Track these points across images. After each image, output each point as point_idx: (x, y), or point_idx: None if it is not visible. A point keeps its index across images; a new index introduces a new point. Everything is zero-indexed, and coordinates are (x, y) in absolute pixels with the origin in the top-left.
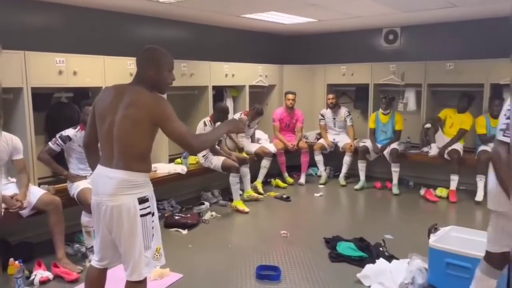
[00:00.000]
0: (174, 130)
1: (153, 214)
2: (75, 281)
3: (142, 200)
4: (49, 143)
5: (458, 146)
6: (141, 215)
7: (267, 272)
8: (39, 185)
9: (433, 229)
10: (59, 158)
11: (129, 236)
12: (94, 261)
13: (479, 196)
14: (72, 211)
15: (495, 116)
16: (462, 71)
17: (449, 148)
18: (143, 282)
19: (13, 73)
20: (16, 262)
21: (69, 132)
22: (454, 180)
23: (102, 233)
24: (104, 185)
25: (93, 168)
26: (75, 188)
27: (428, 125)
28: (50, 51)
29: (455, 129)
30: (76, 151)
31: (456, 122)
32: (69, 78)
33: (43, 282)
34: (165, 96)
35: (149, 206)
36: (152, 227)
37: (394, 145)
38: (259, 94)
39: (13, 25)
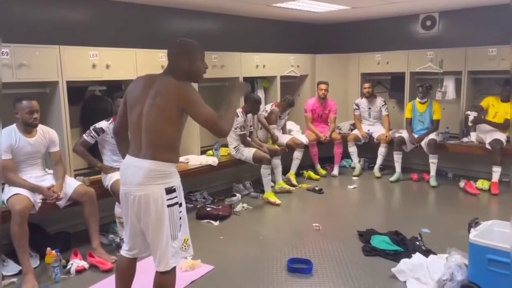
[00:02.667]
0: (201, 114)
1: (180, 205)
2: (109, 271)
3: (170, 191)
4: (84, 135)
5: (501, 136)
6: (168, 205)
7: (299, 265)
8: (75, 176)
9: (474, 223)
10: (94, 151)
11: (156, 226)
12: (124, 250)
13: None
14: (106, 202)
15: None
16: (506, 57)
17: (491, 139)
18: (172, 272)
19: (49, 68)
20: (53, 251)
21: (102, 124)
22: (496, 172)
23: (131, 223)
24: (132, 175)
25: (124, 155)
26: (109, 180)
27: (475, 114)
28: (83, 45)
29: (498, 119)
30: (109, 143)
31: (500, 111)
32: (102, 72)
33: (79, 271)
34: (196, 86)
35: (176, 197)
36: (180, 218)
37: (432, 136)
38: (291, 85)
39: (48, 21)
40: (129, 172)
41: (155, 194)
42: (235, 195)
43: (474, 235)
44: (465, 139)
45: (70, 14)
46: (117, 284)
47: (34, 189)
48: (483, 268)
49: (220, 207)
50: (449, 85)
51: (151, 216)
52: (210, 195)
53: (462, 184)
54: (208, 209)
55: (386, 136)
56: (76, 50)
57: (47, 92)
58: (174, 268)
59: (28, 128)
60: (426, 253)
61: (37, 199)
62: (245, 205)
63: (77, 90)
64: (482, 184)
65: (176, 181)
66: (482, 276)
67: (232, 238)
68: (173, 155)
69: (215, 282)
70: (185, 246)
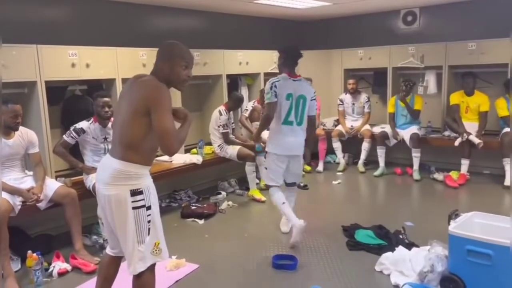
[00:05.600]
0: (161, 122)
1: (148, 208)
2: (92, 272)
3: (135, 193)
4: (64, 136)
5: (473, 129)
6: (133, 208)
7: (284, 262)
8: (56, 178)
9: (454, 215)
10: (75, 151)
11: (120, 227)
12: (108, 248)
13: (507, 181)
14: (89, 203)
15: None
16: (484, 51)
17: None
18: (146, 274)
19: (26, 67)
20: (34, 254)
21: (83, 124)
22: (464, 164)
23: (105, 221)
24: (102, 173)
25: None
26: (91, 180)
27: (476, 141)
28: (62, 44)
29: (472, 113)
30: (90, 143)
31: (471, 105)
32: (82, 71)
33: (61, 274)
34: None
35: (143, 199)
36: (148, 221)
37: (415, 130)
38: None
39: (25, 19)
40: (100, 170)
41: (119, 195)
42: (220, 193)
43: (454, 226)
44: (446, 133)
45: (47, 12)
46: (97, 281)
47: (13, 191)
48: (463, 259)
49: (205, 205)
50: (431, 80)
51: (115, 218)
52: (195, 193)
53: (441, 177)
54: (193, 207)
55: (352, 128)
56: (54, 49)
57: (25, 93)
58: (150, 270)
59: (7, 130)
60: (409, 246)
61: (17, 201)
62: (230, 202)
63: (56, 90)
64: (454, 175)
65: (144, 183)
66: (462, 267)
67: (217, 236)
68: (143, 156)
69: (200, 281)
70: (156, 250)
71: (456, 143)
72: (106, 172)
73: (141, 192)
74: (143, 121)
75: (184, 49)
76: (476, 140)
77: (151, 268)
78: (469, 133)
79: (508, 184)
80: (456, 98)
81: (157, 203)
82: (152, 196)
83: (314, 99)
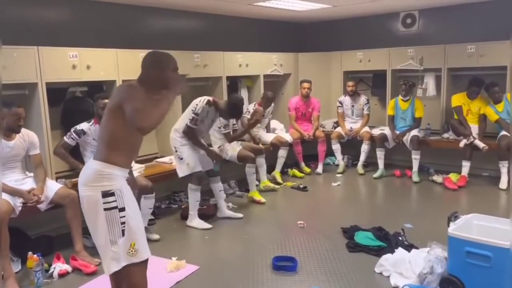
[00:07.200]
0: (129, 106)
1: (122, 210)
2: (93, 274)
3: (106, 194)
4: (64, 137)
5: (474, 131)
6: (105, 209)
7: (284, 263)
8: (56, 179)
9: (453, 217)
10: (75, 152)
11: (92, 228)
12: None
13: (503, 183)
14: None
15: (498, 101)
16: (483, 53)
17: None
18: (135, 278)
19: (27, 69)
20: (35, 255)
21: (83, 126)
22: (465, 166)
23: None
24: (82, 175)
25: None
26: None
27: (481, 145)
28: (62, 45)
29: (472, 117)
30: (90, 145)
31: (472, 108)
32: (82, 72)
33: (62, 275)
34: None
35: (114, 201)
36: (122, 223)
37: (415, 132)
38: (274, 84)
39: (26, 21)
40: (82, 172)
41: (89, 196)
42: None
43: (453, 228)
44: (445, 135)
45: (48, 14)
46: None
47: (14, 192)
48: (462, 261)
49: (205, 206)
50: (430, 82)
51: (88, 218)
52: None
53: (440, 179)
54: None
55: (351, 130)
56: (55, 51)
57: (26, 94)
58: (139, 270)
59: (9, 132)
60: (409, 247)
61: (17, 202)
62: (230, 204)
63: (57, 91)
64: (453, 177)
65: (116, 185)
66: (461, 269)
67: (217, 238)
68: (120, 157)
69: (200, 282)
70: (131, 251)
71: (461, 144)
72: (84, 174)
73: (112, 194)
74: (118, 119)
75: (169, 55)
76: (481, 145)
77: (142, 269)
78: (474, 137)
79: (503, 187)
80: (458, 100)
81: (133, 204)
82: (125, 198)
83: None
